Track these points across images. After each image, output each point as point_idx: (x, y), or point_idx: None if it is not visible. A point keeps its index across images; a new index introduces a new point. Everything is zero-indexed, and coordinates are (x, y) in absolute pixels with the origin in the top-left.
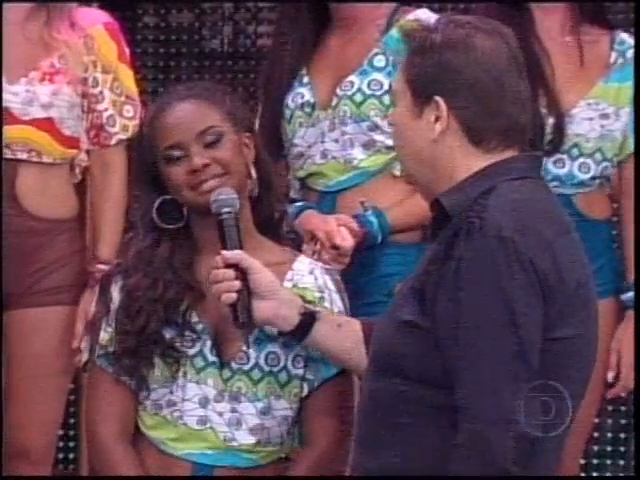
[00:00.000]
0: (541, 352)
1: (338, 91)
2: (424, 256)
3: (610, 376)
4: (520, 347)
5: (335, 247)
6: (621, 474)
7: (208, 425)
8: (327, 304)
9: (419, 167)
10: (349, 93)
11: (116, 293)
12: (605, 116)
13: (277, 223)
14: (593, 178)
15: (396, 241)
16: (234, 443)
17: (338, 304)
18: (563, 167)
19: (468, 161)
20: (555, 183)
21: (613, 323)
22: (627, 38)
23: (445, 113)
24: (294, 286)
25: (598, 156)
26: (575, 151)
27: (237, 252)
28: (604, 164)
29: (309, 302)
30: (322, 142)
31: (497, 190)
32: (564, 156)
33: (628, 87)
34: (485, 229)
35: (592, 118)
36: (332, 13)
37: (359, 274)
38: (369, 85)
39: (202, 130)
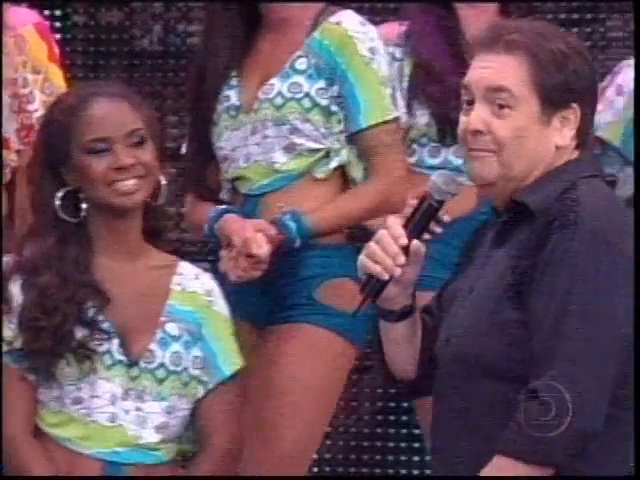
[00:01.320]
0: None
1: (260, 94)
2: (489, 263)
3: None
4: (618, 342)
5: (251, 255)
6: None
7: (117, 422)
8: (216, 308)
9: (533, 171)
10: (270, 96)
11: (17, 290)
12: None
13: (161, 230)
14: None
15: (317, 244)
16: (141, 441)
17: (225, 310)
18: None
19: (556, 158)
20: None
21: None
22: None
23: (578, 120)
24: (183, 290)
25: None
26: None
27: (419, 244)
28: None
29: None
30: (245, 146)
31: (580, 187)
32: None
33: None
34: (580, 223)
35: None
36: (262, 14)
37: (280, 277)
38: (289, 88)
39: (131, 130)
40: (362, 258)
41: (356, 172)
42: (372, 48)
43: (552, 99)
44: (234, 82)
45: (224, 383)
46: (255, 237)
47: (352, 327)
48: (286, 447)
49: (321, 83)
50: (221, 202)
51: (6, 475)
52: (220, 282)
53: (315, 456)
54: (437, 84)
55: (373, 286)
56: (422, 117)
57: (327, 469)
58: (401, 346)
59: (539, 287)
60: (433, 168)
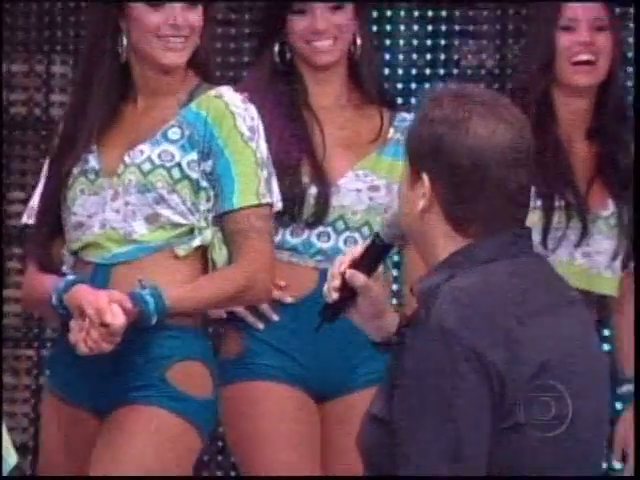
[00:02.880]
0: (503, 442)
1: (126, 159)
2: None
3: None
4: (457, 444)
5: (105, 325)
6: None
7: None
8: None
9: (412, 238)
10: (137, 161)
11: None
12: (375, 188)
13: None
14: None
15: (171, 323)
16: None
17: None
18: (328, 241)
19: (448, 244)
20: (319, 257)
21: None
22: (408, 117)
23: (429, 191)
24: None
25: (366, 230)
26: (341, 224)
27: (362, 278)
28: None
29: None
30: (103, 212)
31: (456, 278)
32: (328, 229)
33: (402, 164)
34: (429, 320)
35: (360, 190)
36: (134, 81)
37: (132, 354)
38: (160, 155)
39: None
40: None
41: (218, 255)
42: (252, 127)
43: (411, 162)
44: (93, 147)
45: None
46: (110, 307)
47: (200, 412)
48: None
49: (193, 155)
50: (63, 275)
51: (6, 475)
52: (55, 363)
53: None
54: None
55: (325, 308)
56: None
57: None
58: None
59: (395, 389)
60: (294, 249)
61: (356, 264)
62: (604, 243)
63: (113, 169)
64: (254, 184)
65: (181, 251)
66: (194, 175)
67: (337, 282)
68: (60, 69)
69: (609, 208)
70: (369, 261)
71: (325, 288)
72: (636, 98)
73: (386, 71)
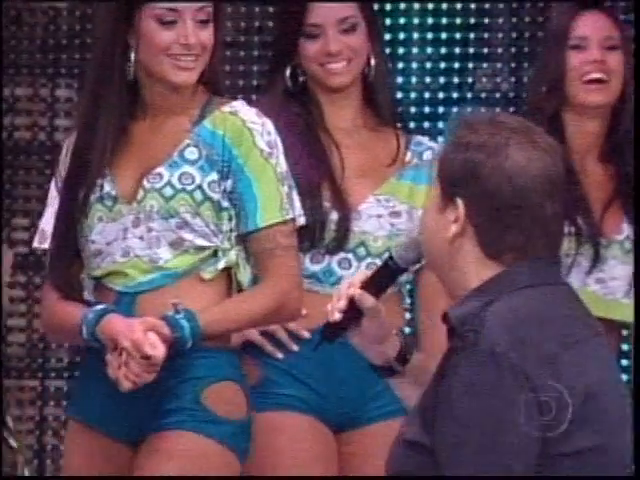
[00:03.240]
0: (549, 468)
1: (145, 184)
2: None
3: None
4: (508, 467)
5: (145, 357)
6: None
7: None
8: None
9: (436, 262)
10: (157, 186)
11: None
12: (396, 214)
13: None
14: None
15: (206, 343)
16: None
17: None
18: (349, 268)
19: (480, 270)
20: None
21: None
22: (425, 140)
23: (462, 217)
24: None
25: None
26: (362, 250)
27: (371, 300)
28: None
29: None
30: (124, 239)
31: (498, 301)
32: (349, 255)
33: (422, 189)
34: (479, 344)
35: (381, 215)
36: (142, 99)
37: (164, 377)
38: (180, 179)
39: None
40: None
41: (243, 275)
42: (270, 142)
43: (443, 187)
44: (105, 170)
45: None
46: (147, 337)
47: (237, 435)
48: None
49: (213, 176)
50: (87, 302)
51: (6, 475)
52: (81, 391)
53: None
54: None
55: (326, 327)
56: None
57: None
58: None
59: (440, 413)
60: (314, 276)
61: (366, 286)
62: (619, 268)
63: (131, 194)
64: (276, 201)
65: (207, 275)
66: (215, 196)
67: (343, 303)
68: (65, 93)
69: (624, 232)
70: (379, 283)
71: (329, 306)
72: (636, 99)
73: (399, 94)
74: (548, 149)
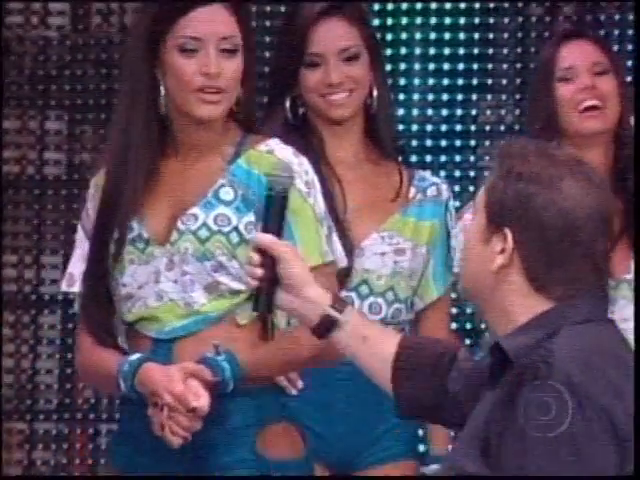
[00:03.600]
0: None
1: (180, 225)
2: (481, 404)
3: None
4: None
5: (191, 410)
6: None
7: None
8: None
9: (479, 294)
10: (192, 228)
11: None
12: (400, 251)
13: None
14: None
15: (247, 389)
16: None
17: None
18: None
19: (528, 303)
20: None
21: None
22: (428, 176)
23: (510, 248)
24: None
25: (390, 295)
26: (364, 289)
27: (269, 237)
28: (396, 305)
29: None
30: (157, 282)
31: (561, 334)
32: (352, 294)
33: (426, 225)
34: (554, 375)
35: (385, 253)
36: (173, 135)
37: (213, 427)
38: (215, 220)
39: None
40: None
41: (279, 318)
42: (308, 182)
43: (491, 216)
44: (137, 211)
45: None
46: (189, 388)
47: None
48: None
49: (250, 217)
50: (121, 349)
51: (6, 475)
52: (122, 444)
53: None
54: None
55: (255, 298)
56: None
57: None
58: (367, 363)
59: (510, 444)
60: None
61: (264, 229)
62: (629, 308)
63: (164, 236)
64: (316, 244)
65: (243, 320)
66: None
67: (256, 257)
68: (55, 125)
69: (632, 270)
70: (274, 219)
71: (247, 274)
72: (636, 99)
73: (400, 127)
74: (601, 185)
